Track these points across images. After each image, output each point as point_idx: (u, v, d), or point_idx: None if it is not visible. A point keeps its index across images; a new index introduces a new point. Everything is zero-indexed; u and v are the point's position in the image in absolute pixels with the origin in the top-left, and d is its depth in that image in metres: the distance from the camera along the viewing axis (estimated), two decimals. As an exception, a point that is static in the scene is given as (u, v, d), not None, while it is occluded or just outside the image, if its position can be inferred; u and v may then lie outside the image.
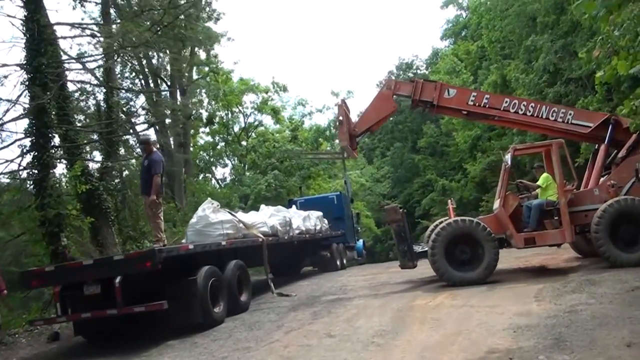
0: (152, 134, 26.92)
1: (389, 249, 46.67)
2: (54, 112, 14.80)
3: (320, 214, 18.23)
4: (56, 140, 14.58)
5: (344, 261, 20.11)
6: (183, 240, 13.15)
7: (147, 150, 10.36)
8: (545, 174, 11.43)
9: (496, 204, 11.79)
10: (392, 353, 6.18)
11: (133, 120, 24.44)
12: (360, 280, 13.76)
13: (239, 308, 10.60)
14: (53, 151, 13.80)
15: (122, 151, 24.35)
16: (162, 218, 10.08)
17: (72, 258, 10.81)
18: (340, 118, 12.45)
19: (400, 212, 11.57)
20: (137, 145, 16.14)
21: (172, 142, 25.30)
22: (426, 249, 11.17)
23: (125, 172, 21.80)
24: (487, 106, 11.93)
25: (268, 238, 12.87)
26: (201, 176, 33.17)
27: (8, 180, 15.02)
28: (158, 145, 19.45)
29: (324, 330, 7.87)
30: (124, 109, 24.32)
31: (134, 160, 22.14)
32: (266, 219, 13.74)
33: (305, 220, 16.48)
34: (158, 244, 9.66)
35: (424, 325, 7.34)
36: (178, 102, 25.03)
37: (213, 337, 8.60)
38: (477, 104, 11.95)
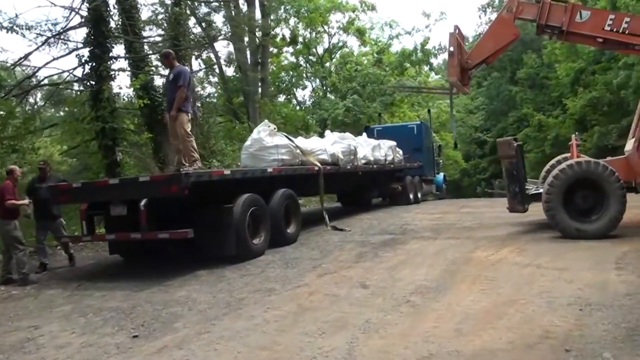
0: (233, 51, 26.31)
1: (477, 184, 44.84)
2: (119, 22, 14.25)
3: (393, 143, 16.95)
4: (119, 51, 14.06)
5: (419, 195, 18.85)
6: (238, 164, 12.49)
7: (169, 64, 9.34)
8: None
9: (629, 146, 9.94)
10: (423, 319, 5.08)
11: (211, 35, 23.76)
12: (427, 219, 12.57)
13: (284, 240, 9.82)
14: (110, 62, 13.24)
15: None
16: (192, 136, 9.19)
17: (61, 179, 10.04)
18: (452, 49, 10.69)
19: (514, 146, 9.88)
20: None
21: (249, 60, 24.38)
22: (541, 190, 9.58)
23: (198, 89, 21.24)
24: (627, 32, 9.74)
25: (326, 167, 11.86)
26: (283, 97, 32.32)
27: (68, 91, 14.78)
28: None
29: (360, 278, 6.88)
30: (202, 23, 23.66)
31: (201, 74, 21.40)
32: (328, 146, 12.72)
33: (374, 150, 15.31)
34: (195, 165, 8.88)
35: (475, 286, 6.14)
36: (257, 19, 23.92)
37: (245, 271, 7.86)
38: (615, 30, 9.77)
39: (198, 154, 9.22)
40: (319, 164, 11.51)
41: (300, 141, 12.25)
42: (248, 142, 11.43)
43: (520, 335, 4.46)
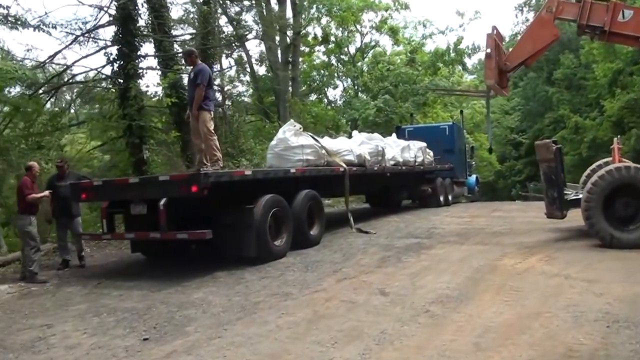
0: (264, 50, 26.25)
1: (512, 186, 44.00)
2: (148, 21, 14.31)
3: (423, 144, 16.63)
4: (148, 50, 14.10)
5: (449, 197, 18.50)
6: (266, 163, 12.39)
7: (191, 62, 9.21)
8: None
9: None
10: (442, 331, 4.84)
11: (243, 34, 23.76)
12: (455, 223, 12.25)
13: (307, 242, 9.66)
14: (138, 61, 13.24)
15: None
16: (215, 134, 9.11)
17: (80, 177, 9.97)
18: (489, 50, 10.32)
19: (553, 149, 9.23)
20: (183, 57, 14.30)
21: (279, 59, 24.26)
22: (580, 196, 9.01)
23: (227, 88, 21.27)
24: None
25: (352, 168, 11.66)
26: (314, 97, 32.09)
27: (99, 89, 14.88)
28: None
29: (380, 284, 6.65)
30: (233, 22, 23.72)
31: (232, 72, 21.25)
32: (355, 146, 12.50)
33: (403, 151, 15.01)
34: (217, 164, 8.80)
35: (499, 296, 5.86)
36: (288, 17, 23.85)
37: (264, 273, 7.73)
38: None
39: (221, 153, 9.13)
40: (344, 165, 11.31)
41: (326, 141, 12.08)
42: (274, 142, 11.34)
43: (541, 353, 4.19)
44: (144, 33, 13.56)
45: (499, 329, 4.83)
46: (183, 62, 16.08)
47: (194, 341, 5.07)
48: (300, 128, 11.40)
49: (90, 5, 13.51)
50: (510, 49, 11.16)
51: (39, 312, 6.73)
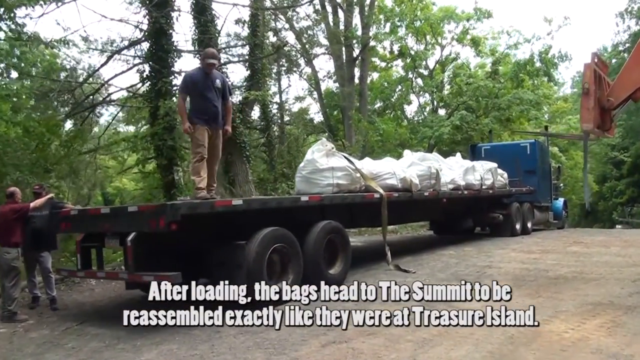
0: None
1: (613, 208, 40.08)
2: (194, 37, 13.55)
3: (494, 165, 14.64)
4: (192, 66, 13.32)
5: (529, 225, 16.31)
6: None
7: (213, 67, 7.58)
8: None
9: None
10: None
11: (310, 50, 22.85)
12: (517, 260, 10.28)
13: (325, 283, 8.10)
14: (172, 77, 12.36)
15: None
16: None
17: (58, 205, 8.44)
18: (587, 85, 8.04)
19: None
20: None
21: (345, 74, 22.92)
22: None
23: (290, 106, 20.27)
24: None
25: (392, 194, 10.06)
26: (392, 114, 30.46)
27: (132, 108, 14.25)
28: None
29: (371, 355, 5.07)
30: (304, 37, 22.88)
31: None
32: (401, 169, 10.91)
33: (467, 173, 13.15)
34: (212, 191, 7.61)
35: (520, 390, 4.11)
36: (357, 29, 22.61)
37: (253, 321, 6.29)
38: None
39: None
40: (381, 191, 9.74)
41: (366, 163, 10.64)
42: (302, 164, 10.11)
43: None
44: (178, 48, 12.67)
45: None
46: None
47: None
48: (332, 148, 10.04)
49: (120, 20, 12.88)
50: (614, 80, 8.53)
51: (-21, 365, 5.76)
